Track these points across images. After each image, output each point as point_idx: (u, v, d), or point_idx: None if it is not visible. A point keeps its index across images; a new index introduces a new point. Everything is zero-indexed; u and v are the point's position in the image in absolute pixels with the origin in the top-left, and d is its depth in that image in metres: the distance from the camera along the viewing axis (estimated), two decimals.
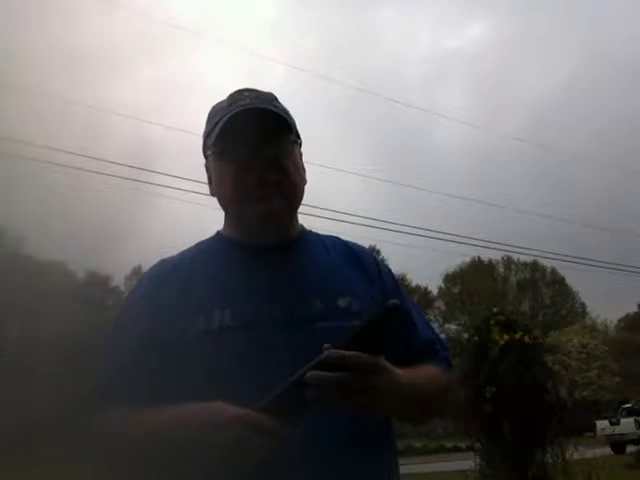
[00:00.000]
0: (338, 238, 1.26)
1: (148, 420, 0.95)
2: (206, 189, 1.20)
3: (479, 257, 41.30)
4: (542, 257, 29.89)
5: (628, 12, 53.75)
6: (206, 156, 1.17)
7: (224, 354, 1.00)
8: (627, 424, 17.60)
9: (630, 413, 18.61)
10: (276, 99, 1.17)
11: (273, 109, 1.10)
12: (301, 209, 1.22)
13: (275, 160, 1.10)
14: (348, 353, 0.87)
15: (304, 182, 1.18)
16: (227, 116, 1.08)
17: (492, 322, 6.52)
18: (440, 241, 21.12)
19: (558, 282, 43.04)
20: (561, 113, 55.12)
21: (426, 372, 1.10)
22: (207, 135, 1.14)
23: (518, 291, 43.42)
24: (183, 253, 1.17)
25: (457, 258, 39.22)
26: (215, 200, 1.17)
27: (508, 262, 43.31)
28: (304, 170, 1.19)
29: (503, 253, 36.49)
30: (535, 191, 46.14)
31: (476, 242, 22.15)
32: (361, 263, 1.19)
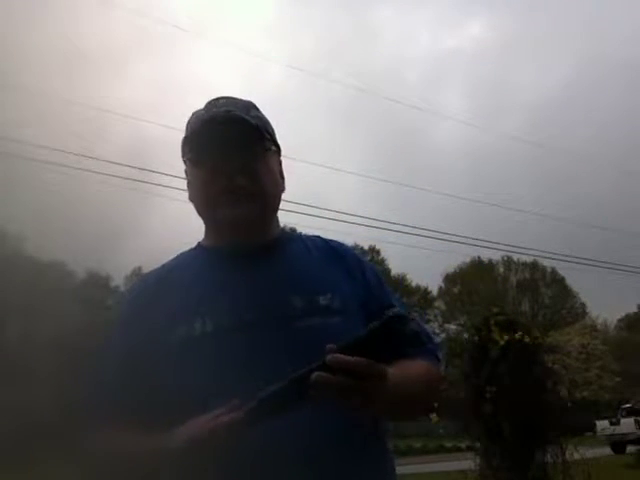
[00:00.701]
0: (319, 237, 1.26)
1: (123, 446, 1.00)
2: None
3: (479, 257, 41.37)
4: (542, 257, 29.90)
5: (627, 12, 53.76)
6: (184, 162, 1.19)
7: (206, 359, 1.01)
8: (627, 424, 17.59)
9: (630, 413, 18.59)
10: (254, 108, 1.18)
11: (244, 116, 1.11)
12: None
13: (245, 165, 1.11)
14: (352, 359, 0.87)
15: (279, 188, 1.19)
16: (197, 123, 1.11)
17: (492, 322, 6.51)
18: (440, 241, 21.16)
19: (558, 282, 43.05)
20: (561, 113, 55.19)
21: (416, 369, 1.10)
22: (183, 142, 1.16)
23: (518, 291, 43.42)
24: (163, 265, 1.20)
25: (457, 258, 39.22)
26: None
27: (508, 262, 43.34)
28: (282, 177, 1.21)
29: (503, 253, 36.54)
30: (535, 191, 46.15)
31: (476, 242, 22.16)
32: (343, 261, 1.20)
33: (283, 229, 1.24)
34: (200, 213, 1.17)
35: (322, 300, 1.09)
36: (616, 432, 17.64)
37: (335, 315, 1.08)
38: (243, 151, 1.11)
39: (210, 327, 1.04)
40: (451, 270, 43.19)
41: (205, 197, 1.13)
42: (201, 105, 1.18)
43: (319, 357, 0.88)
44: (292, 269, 1.14)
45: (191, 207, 1.19)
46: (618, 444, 17.37)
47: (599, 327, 38.78)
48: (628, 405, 19.98)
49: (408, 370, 1.05)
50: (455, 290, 43.56)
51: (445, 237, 20.80)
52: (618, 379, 31.22)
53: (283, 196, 1.22)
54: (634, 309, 44.54)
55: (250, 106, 1.18)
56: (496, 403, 5.94)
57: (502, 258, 42.02)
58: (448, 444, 24.42)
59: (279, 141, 1.22)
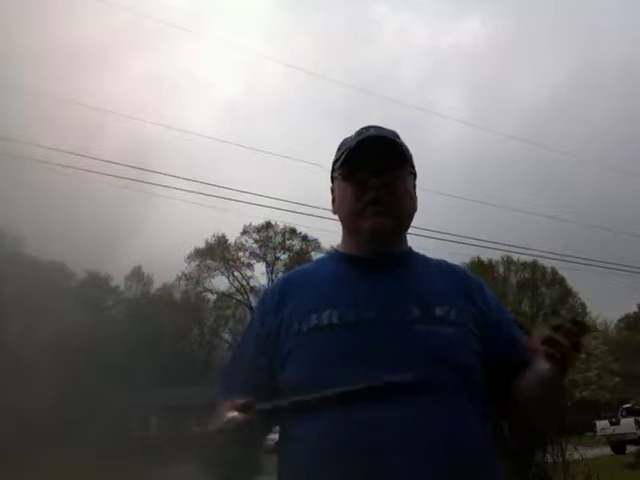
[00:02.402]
0: (445, 261, 1.38)
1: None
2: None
3: (479, 257, 41.34)
4: (542, 257, 29.88)
5: (628, 15, 53.78)
6: (332, 179, 1.37)
7: (330, 345, 1.16)
8: (627, 424, 17.59)
9: (630, 413, 18.58)
10: (398, 136, 1.35)
11: (394, 139, 1.28)
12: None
13: (389, 183, 1.26)
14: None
15: (413, 208, 1.34)
16: (350, 143, 1.29)
17: None
18: (440, 241, 21.12)
19: (558, 282, 43.06)
20: (561, 113, 55.20)
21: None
22: (335, 161, 1.34)
23: (518, 291, 43.44)
24: (303, 267, 1.43)
25: (457, 258, 39.21)
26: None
27: (508, 262, 43.35)
28: (416, 199, 1.35)
29: (503, 253, 36.53)
30: (535, 191, 46.15)
31: (476, 242, 22.14)
32: (465, 284, 1.30)
33: (410, 248, 1.36)
34: (344, 223, 1.33)
35: (438, 311, 1.20)
36: (616, 432, 17.63)
37: (449, 326, 1.18)
38: (390, 170, 1.26)
39: (336, 319, 1.18)
40: None
41: (352, 208, 1.28)
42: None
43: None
44: (414, 281, 1.27)
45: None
46: (618, 444, 17.36)
47: (599, 327, 38.79)
48: (628, 405, 19.97)
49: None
50: None
51: (445, 237, 20.79)
52: (618, 379, 31.22)
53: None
54: (634, 309, 44.58)
55: (396, 134, 1.35)
56: (496, 403, 5.93)
57: (502, 258, 42.06)
58: None
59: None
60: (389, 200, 1.25)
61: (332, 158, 1.36)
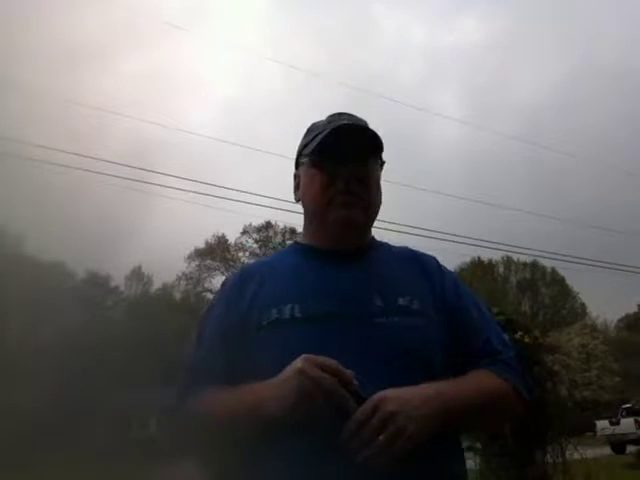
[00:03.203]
0: (407, 247, 1.37)
1: (223, 399, 1.11)
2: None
3: (479, 257, 41.34)
4: (542, 257, 29.86)
5: (626, 13, 53.75)
6: (297, 165, 1.32)
7: (291, 340, 1.13)
8: (627, 424, 17.58)
9: (630, 413, 18.57)
10: (368, 126, 1.30)
11: (369, 127, 1.24)
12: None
13: (361, 174, 1.23)
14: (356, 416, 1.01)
15: (380, 200, 1.31)
16: (327, 130, 1.22)
17: None
18: (440, 241, 21.10)
19: (558, 282, 43.06)
20: (561, 113, 55.17)
21: (476, 380, 1.17)
22: (303, 147, 1.29)
23: (518, 291, 43.44)
24: (263, 259, 1.39)
25: (457, 258, 39.19)
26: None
27: (508, 262, 43.35)
28: (381, 192, 1.31)
29: (503, 253, 36.53)
30: (535, 191, 46.13)
31: (476, 242, 22.11)
32: (425, 269, 1.28)
33: (373, 238, 1.33)
34: (311, 213, 1.29)
35: (401, 301, 1.18)
36: (616, 432, 17.62)
37: (413, 316, 1.17)
38: (363, 161, 1.23)
39: (298, 313, 1.15)
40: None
41: (321, 198, 1.23)
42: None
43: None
44: (377, 272, 1.24)
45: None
46: (618, 444, 17.36)
47: (599, 327, 38.81)
48: (628, 405, 19.96)
49: (466, 381, 1.14)
50: None
51: (445, 237, 20.77)
52: (618, 379, 31.22)
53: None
54: (634, 309, 44.59)
55: (366, 123, 1.30)
56: None
57: (502, 258, 42.07)
58: None
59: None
60: (359, 191, 1.22)
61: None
